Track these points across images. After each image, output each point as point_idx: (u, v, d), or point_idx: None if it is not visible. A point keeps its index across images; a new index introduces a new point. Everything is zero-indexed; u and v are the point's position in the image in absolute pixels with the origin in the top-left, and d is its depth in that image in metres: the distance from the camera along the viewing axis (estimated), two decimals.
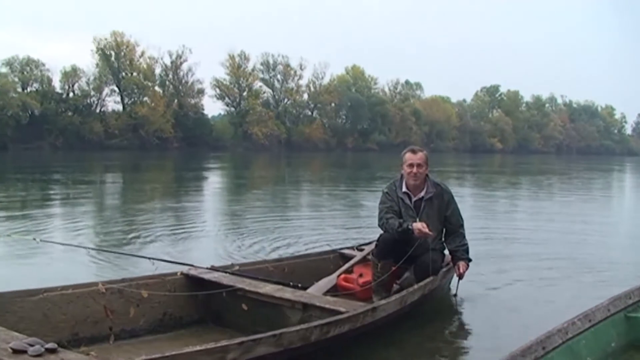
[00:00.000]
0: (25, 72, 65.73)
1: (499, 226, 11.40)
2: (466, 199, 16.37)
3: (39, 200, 15.33)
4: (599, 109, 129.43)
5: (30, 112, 62.87)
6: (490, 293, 6.24)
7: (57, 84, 68.01)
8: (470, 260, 5.64)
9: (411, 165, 5.40)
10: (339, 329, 4.10)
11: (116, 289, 4.55)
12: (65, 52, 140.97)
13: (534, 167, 48.01)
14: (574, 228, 11.41)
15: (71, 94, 68.67)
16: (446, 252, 5.69)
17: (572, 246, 9.31)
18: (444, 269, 5.50)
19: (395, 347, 4.66)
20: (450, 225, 5.58)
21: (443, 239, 5.62)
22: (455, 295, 5.79)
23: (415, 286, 5.01)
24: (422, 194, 5.45)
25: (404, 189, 5.48)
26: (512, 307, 5.85)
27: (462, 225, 5.63)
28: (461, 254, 5.57)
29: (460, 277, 5.61)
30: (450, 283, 5.99)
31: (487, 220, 12.18)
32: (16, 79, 64.93)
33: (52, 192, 17.97)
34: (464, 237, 5.63)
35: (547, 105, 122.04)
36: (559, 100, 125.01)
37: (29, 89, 65.53)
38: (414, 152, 5.48)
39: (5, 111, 59.48)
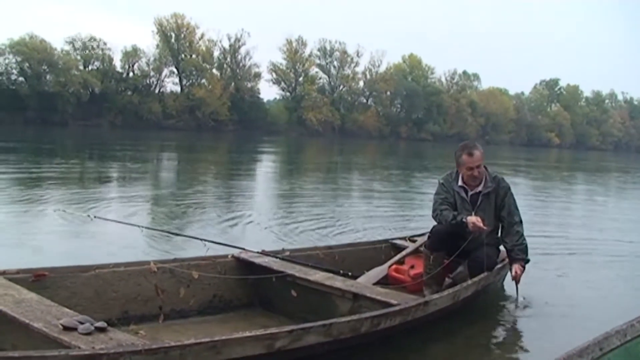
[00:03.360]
0: (87, 51, 66.98)
1: (556, 222, 11.13)
2: (521, 193, 16.04)
3: (96, 176, 15.60)
4: None
5: (90, 90, 64.08)
6: (546, 291, 6.04)
7: (117, 64, 69.28)
8: (527, 260, 5.34)
9: (470, 169, 5.18)
10: (389, 322, 4.02)
11: (167, 269, 4.56)
12: (127, 32, 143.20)
13: (593, 163, 46.96)
14: (636, 228, 11.05)
15: (131, 74, 69.82)
16: (502, 247, 5.51)
17: (634, 246, 9.01)
18: (499, 265, 5.34)
19: (446, 342, 4.56)
20: (503, 219, 5.31)
21: (499, 234, 5.43)
22: (517, 299, 5.46)
23: (469, 281, 4.88)
24: (480, 188, 5.27)
25: (460, 182, 5.31)
26: (568, 306, 5.68)
27: (518, 223, 5.31)
28: (516, 253, 5.25)
29: (516, 280, 5.29)
30: (504, 280, 5.84)
31: (544, 216, 11.89)
32: (78, 57, 66.22)
33: (108, 169, 18.28)
34: (522, 235, 5.30)
35: (607, 101, 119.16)
36: (620, 97, 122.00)
37: (90, 68, 66.77)
38: (470, 154, 5.18)
39: (67, 88, 60.85)
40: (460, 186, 5.30)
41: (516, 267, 5.25)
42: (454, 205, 5.27)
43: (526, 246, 5.32)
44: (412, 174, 23.22)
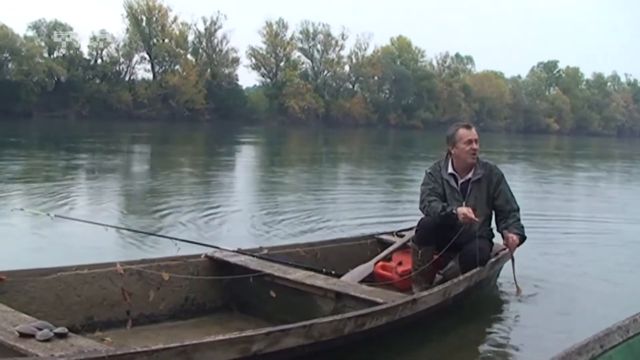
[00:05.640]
0: (52, 37, 66.34)
1: (556, 213, 11.17)
2: (520, 182, 16.10)
3: (61, 172, 15.47)
4: None
5: (56, 79, 63.69)
6: (544, 285, 6.06)
7: (84, 50, 68.82)
8: (524, 238, 5.22)
9: (470, 142, 5.17)
10: (375, 322, 4.00)
11: (135, 270, 4.52)
12: (94, 16, 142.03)
13: (595, 150, 47.23)
14: None
15: (99, 61, 69.43)
16: (495, 240, 5.50)
17: (638, 238, 9.03)
18: (492, 259, 5.33)
19: (436, 342, 4.57)
20: (500, 209, 5.31)
21: (492, 226, 5.44)
22: (514, 279, 5.39)
23: (461, 277, 4.87)
24: (470, 175, 5.26)
25: (450, 169, 5.30)
26: (569, 300, 5.73)
27: (516, 210, 5.30)
28: (511, 229, 5.17)
29: (510, 248, 5.19)
30: (498, 275, 5.85)
31: (542, 206, 11.95)
32: (42, 44, 65.68)
33: (75, 163, 18.16)
34: (519, 219, 5.28)
35: (609, 84, 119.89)
36: (623, 79, 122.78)
37: (55, 55, 66.23)
38: (468, 127, 5.28)
39: (31, 77, 60.38)
40: (450, 174, 5.29)
41: (511, 234, 5.14)
42: (442, 195, 5.26)
43: (523, 227, 5.26)
44: (401, 164, 23.27)
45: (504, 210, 5.31)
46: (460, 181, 5.28)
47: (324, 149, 33.01)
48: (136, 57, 72.29)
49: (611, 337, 2.87)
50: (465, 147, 5.20)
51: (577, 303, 5.66)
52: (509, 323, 5.18)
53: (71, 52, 66.94)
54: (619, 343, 2.90)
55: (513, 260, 5.32)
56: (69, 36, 66.72)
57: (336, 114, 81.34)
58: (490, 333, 4.90)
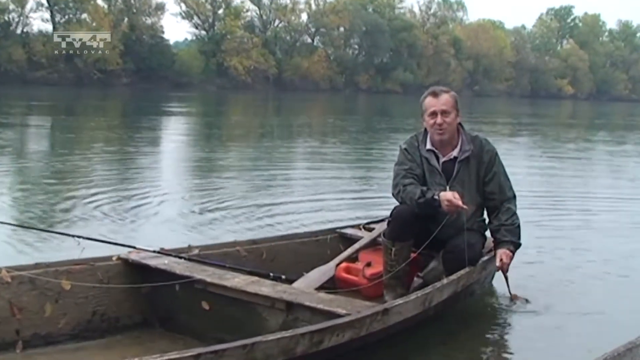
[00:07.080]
0: None
1: (568, 198, 11.35)
2: (522, 160, 16.29)
3: None
4: None
5: None
6: (550, 290, 6.15)
7: None
8: (518, 245, 5.37)
9: (433, 114, 5.20)
10: (336, 338, 4.03)
11: (27, 278, 4.48)
12: None
13: (619, 119, 47.78)
14: None
15: None
16: (488, 233, 5.57)
17: None
18: (485, 258, 5.39)
19: None
20: (491, 197, 5.37)
21: (484, 217, 5.49)
22: (512, 299, 5.58)
23: (445, 280, 4.92)
24: (455, 152, 5.29)
25: (429, 145, 5.33)
26: (578, 310, 5.78)
27: (511, 198, 5.39)
28: (503, 234, 5.29)
29: (502, 270, 5.33)
30: (492, 277, 5.91)
31: (552, 189, 12.15)
32: None
33: None
34: (514, 213, 5.36)
35: (638, 35, 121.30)
36: None
37: None
38: (435, 95, 5.26)
39: None
40: (429, 150, 5.31)
41: (501, 252, 5.28)
42: (422, 177, 5.28)
43: (518, 226, 5.37)
44: (373, 139, 23.43)
45: (495, 199, 5.37)
46: (442, 159, 5.31)
47: (275, 121, 33.07)
48: (31, 3, 71.57)
49: (634, 352, 2.93)
50: (428, 121, 5.25)
51: (591, 312, 5.73)
52: (506, 337, 5.25)
53: None
54: None
55: (506, 277, 5.42)
56: None
57: (291, 76, 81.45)
58: (481, 349, 4.96)
